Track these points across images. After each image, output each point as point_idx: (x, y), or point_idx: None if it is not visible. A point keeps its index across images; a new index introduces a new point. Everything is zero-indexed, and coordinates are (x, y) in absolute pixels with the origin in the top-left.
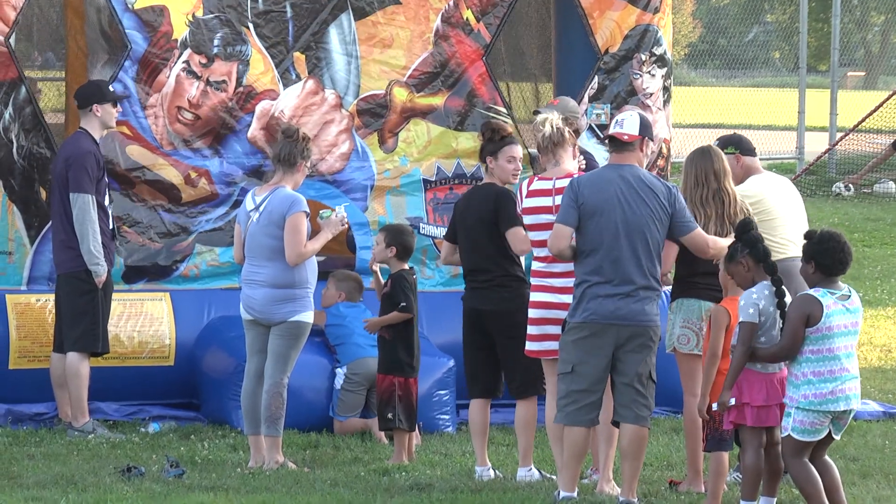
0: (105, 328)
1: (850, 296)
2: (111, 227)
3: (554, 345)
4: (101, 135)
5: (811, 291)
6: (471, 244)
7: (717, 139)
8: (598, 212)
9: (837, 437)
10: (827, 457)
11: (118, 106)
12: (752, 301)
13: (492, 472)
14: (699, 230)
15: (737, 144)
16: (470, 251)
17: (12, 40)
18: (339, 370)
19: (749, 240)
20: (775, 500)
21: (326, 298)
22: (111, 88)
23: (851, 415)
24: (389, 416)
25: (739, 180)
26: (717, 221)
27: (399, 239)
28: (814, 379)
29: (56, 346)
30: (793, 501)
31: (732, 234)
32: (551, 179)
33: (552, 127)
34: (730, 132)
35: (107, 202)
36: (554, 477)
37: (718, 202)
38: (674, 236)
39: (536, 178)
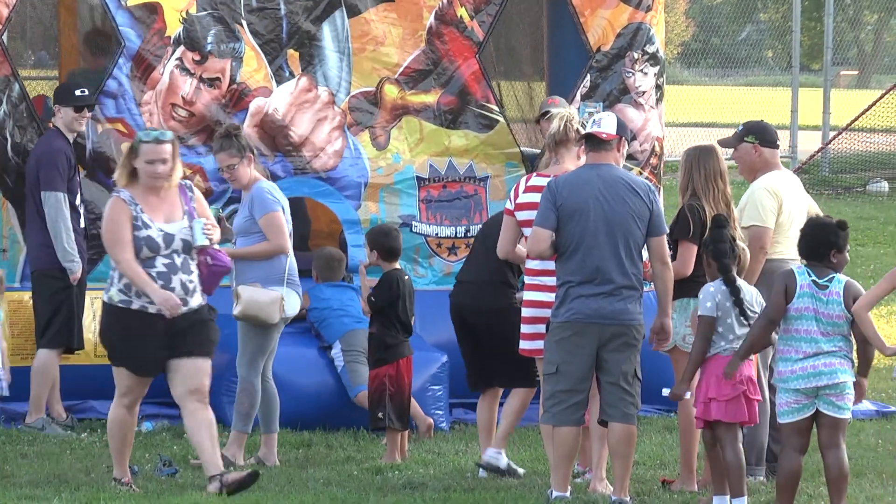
0: (80, 325)
1: (826, 287)
2: (83, 225)
3: None
4: (71, 136)
5: (794, 267)
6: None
7: (743, 125)
8: (578, 212)
9: (840, 415)
10: (843, 452)
11: (86, 111)
12: (709, 295)
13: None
14: (664, 237)
15: (758, 134)
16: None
17: (5, 38)
18: (334, 352)
19: (715, 236)
20: (727, 497)
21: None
22: (80, 92)
23: (843, 390)
24: (380, 415)
25: (758, 171)
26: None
27: (378, 241)
28: (792, 356)
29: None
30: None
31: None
32: (549, 177)
33: (560, 123)
34: (725, 131)
35: (77, 201)
36: (521, 471)
37: (726, 204)
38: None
39: (535, 175)
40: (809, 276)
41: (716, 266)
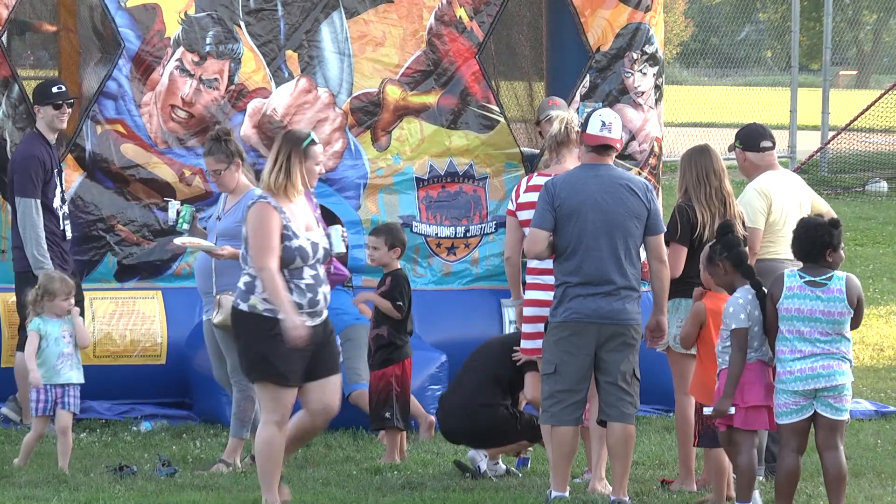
0: None
1: (826, 284)
2: (61, 227)
3: None
4: (53, 135)
5: (786, 271)
6: None
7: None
8: (576, 212)
9: (838, 417)
10: (841, 454)
11: (65, 108)
12: (740, 306)
13: (502, 466)
14: (662, 236)
15: (742, 139)
16: None
17: (4, 38)
18: None
19: (727, 243)
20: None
21: None
22: (57, 89)
23: (841, 392)
24: (387, 415)
25: (752, 173)
26: (721, 221)
27: (400, 238)
28: (787, 357)
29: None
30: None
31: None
32: (550, 176)
33: (561, 125)
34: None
35: (56, 204)
36: (495, 462)
37: (721, 202)
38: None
39: (536, 174)
40: (801, 277)
41: (740, 272)
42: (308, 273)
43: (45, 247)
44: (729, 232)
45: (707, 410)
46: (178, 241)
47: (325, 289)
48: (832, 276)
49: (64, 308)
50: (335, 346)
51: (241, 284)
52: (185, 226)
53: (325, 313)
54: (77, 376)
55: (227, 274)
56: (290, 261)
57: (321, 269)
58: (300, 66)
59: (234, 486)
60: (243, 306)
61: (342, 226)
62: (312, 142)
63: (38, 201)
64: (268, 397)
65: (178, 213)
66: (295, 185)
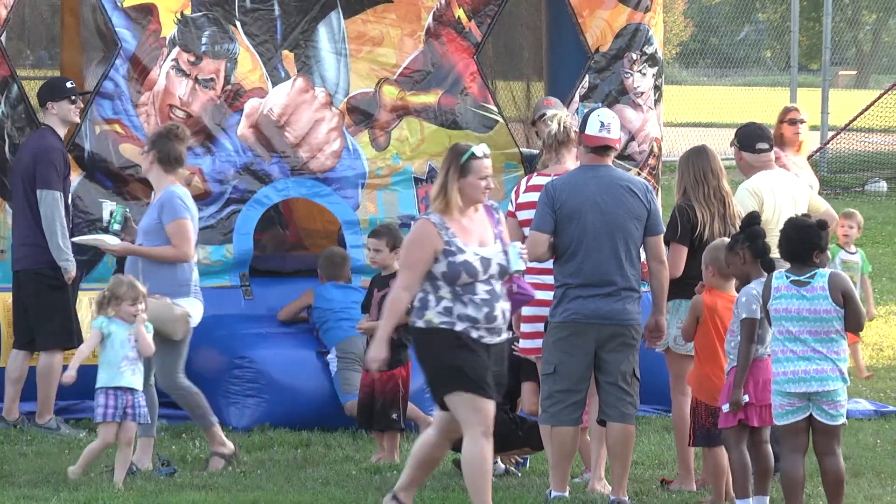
0: (78, 323)
1: (809, 283)
2: (70, 225)
3: None
4: (64, 132)
5: (774, 273)
6: None
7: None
8: (576, 214)
9: (832, 423)
10: (839, 459)
11: (79, 101)
12: (753, 297)
13: (501, 465)
14: (661, 237)
15: (740, 138)
16: None
17: (3, 39)
18: (330, 357)
19: (751, 233)
20: (768, 498)
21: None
22: (70, 84)
23: (834, 397)
24: (394, 416)
25: (748, 172)
26: (720, 221)
27: (401, 240)
28: (780, 357)
29: (18, 343)
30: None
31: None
32: (550, 176)
33: (559, 125)
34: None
35: (69, 201)
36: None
37: (720, 201)
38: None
39: (535, 174)
40: (787, 277)
41: (761, 264)
42: (482, 288)
43: (69, 238)
44: (755, 222)
45: (725, 408)
46: (75, 239)
47: (502, 305)
48: (815, 273)
49: (130, 313)
50: (503, 374)
51: (416, 302)
52: (117, 226)
53: (505, 333)
54: (139, 382)
55: (153, 276)
56: (456, 276)
57: (497, 285)
58: (297, 66)
59: (233, 486)
60: (420, 323)
61: (521, 243)
62: (473, 156)
63: (62, 194)
64: (466, 408)
65: (110, 213)
66: (450, 201)
